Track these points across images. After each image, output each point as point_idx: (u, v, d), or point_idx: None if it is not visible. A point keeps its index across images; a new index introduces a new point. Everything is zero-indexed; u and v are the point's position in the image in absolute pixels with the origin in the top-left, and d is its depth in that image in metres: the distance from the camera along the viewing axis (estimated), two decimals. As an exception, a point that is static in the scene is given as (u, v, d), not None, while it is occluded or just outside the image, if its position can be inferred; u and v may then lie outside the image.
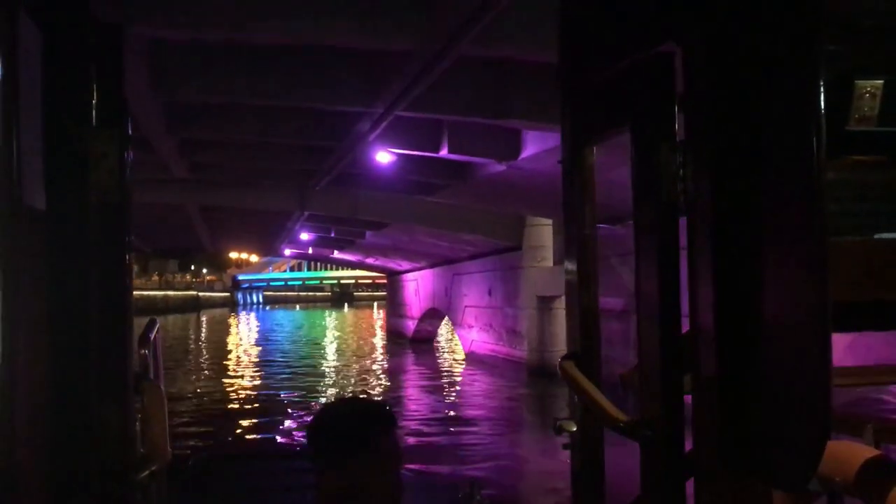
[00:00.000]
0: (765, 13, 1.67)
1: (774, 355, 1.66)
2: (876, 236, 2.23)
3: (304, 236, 31.34)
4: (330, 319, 71.34)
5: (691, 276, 1.84)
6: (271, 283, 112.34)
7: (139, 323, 2.55)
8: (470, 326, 28.75)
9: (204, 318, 70.47)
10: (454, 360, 30.72)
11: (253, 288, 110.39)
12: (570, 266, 2.50)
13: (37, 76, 1.88)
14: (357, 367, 28.98)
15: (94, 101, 2.09)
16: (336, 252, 37.33)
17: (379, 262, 37.54)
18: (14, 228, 1.71)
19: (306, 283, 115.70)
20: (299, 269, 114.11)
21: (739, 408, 1.74)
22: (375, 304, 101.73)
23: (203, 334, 49.48)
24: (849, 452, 1.76)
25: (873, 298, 2.12)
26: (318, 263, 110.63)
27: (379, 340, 43.18)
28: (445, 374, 26.88)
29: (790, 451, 1.66)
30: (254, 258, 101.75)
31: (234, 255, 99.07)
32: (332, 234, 30.20)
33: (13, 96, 1.70)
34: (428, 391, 22.64)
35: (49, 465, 1.93)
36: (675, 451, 1.99)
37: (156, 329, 2.76)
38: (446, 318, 33.85)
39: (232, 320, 67.58)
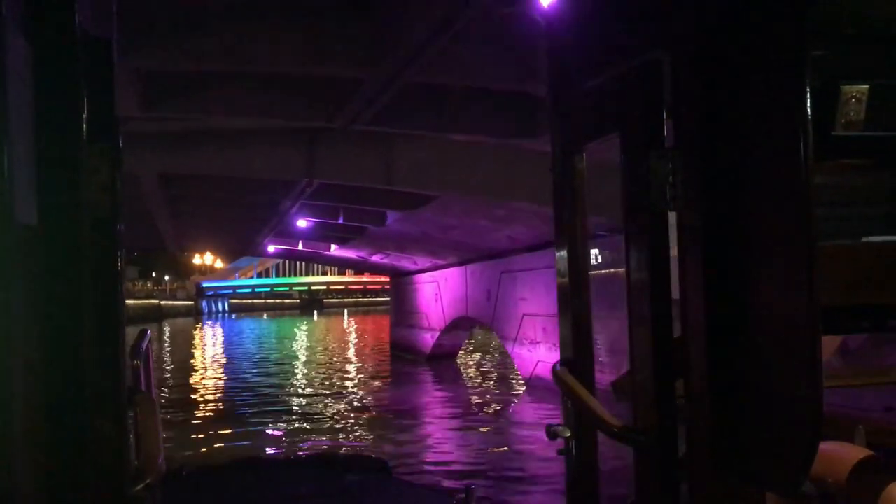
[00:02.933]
0: (752, 20, 1.66)
1: (765, 359, 1.65)
2: (864, 239, 2.18)
3: (302, 223, 22.63)
4: (303, 330, 62.27)
5: (682, 282, 1.81)
6: (237, 291, 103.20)
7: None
8: (533, 342, 20.23)
9: (167, 329, 61.89)
10: (504, 388, 22.24)
11: (218, 295, 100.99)
12: (562, 273, 2.45)
13: (27, 91, 1.83)
14: (364, 401, 20.36)
15: (84, 116, 1.99)
16: (335, 247, 28.57)
17: (388, 259, 28.78)
18: (6, 243, 1.67)
19: (275, 289, 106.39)
20: (267, 276, 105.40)
21: (731, 412, 1.72)
22: (346, 311, 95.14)
23: (166, 349, 40.43)
24: (841, 454, 1.79)
25: (862, 301, 2.07)
26: (288, 269, 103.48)
27: (374, 354, 34.45)
28: (511, 419, 18.12)
29: (782, 456, 1.63)
30: (219, 264, 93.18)
31: (198, 260, 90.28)
32: (340, 220, 21.57)
33: (4, 112, 1.65)
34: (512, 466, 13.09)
35: (45, 479, 1.88)
36: (667, 455, 1.95)
37: (146, 340, 2.78)
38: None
39: (196, 332, 58.22)
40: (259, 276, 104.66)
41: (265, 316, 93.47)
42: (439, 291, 27.36)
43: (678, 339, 1.89)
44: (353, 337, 51.33)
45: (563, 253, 2.45)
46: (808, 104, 1.53)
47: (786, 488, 1.72)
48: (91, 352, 2.02)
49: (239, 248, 36.09)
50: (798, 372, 1.57)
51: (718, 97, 1.72)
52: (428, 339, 28.79)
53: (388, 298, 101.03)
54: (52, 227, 1.88)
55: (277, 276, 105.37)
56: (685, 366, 1.81)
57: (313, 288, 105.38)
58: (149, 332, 2.77)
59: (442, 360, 28.17)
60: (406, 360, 29.94)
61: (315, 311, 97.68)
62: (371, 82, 10.20)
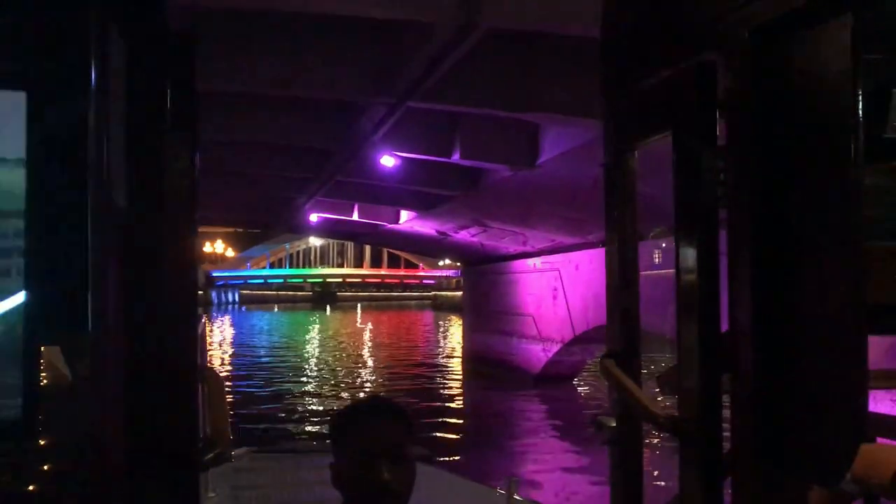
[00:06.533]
0: (805, 22, 1.61)
1: (811, 356, 1.65)
2: None
3: (387, 161, 13.17)
4: (325, 331, 53.06)
5: (731, 278, 1.78)
6: (248, 281, 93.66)
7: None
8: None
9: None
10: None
11: (228, 286, 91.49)
12: (612, 268, 2.44)
13: (121, 85, 1.94)
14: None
15: (168, 107, 2.09)
16: (407, 216, 19.04)
17: (483, 235, 19.13)
18: (103, 225, 1.81)
19: (288, 281, 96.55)
20: (280, 266, 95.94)
21: (776, 406, 1.70)
22: (359, 305, 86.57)
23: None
24: (886, 455, 1.71)
25: None
26: (302, 260, 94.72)
27: (436, 370, 25.00)
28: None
29: (825, 448, 1.63)
30: (230, 253, 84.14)
31: (208, 248, 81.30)
32: (455, 157, 12.16)
33: (104, 104, 1.81)
34: None
35: (129, 449, 1.99)
36: (712, 448, 1.90)
37: (202, 323, 2.98)
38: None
39: (207, 327, 48.40)
40: (272, 266, 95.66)
41: (276, 308, 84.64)
42: (561, 284, 17.88)
43: (725, 333, 1.82)
44: (384, 339, 42.00)
45: (613, 249, 2.40)
46: (860, 107, 1.50)
47: (827, 480, 1.70)
48: (169, 328, 2.08)
49: (269, 219, 26.22)
50: (843, 368, 1.55)
51: (771, 98, 1.66)
52: (537, 352, 19.33)
53: (405, 294, 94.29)
54: (139, 211, 1.98)
55: (291, 266, 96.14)
56: (732, 360, 1.77)
57: (328, 280, 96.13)
58: (203, 317, 2.97)
59: (558, 383, 18.74)
60: (493, 378, 20.52)
61: (328, 305, 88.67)
62: None
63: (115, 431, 1.92)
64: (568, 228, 15.72)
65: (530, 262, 19.65)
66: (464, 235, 19.71)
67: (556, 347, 18.48)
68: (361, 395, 19.20)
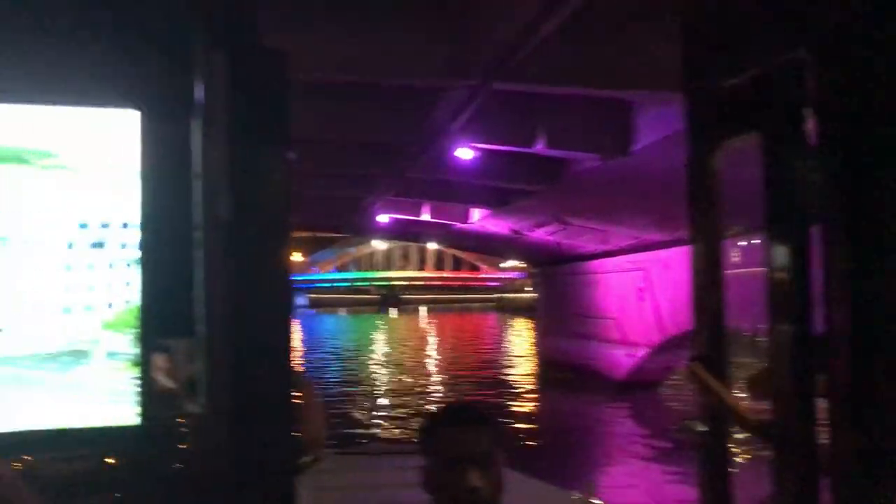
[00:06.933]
0: None
1: None
2: None
3: (464, 154, 12.08)
4: (389, 328, 52.47)
5: (826, 280, 1.72)
6: (317, 285, 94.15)
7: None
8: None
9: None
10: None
11: (297, 290, 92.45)
12: (697, 269, 2.38)
13: (224, 102, 2.02)
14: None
15: (265, 122, 2.16)
16: (479, 215, 17.90)
17: (562, 234, 17.83)
18: (209, 236, 1.93)
19: (354, 284, 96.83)
20: (345, 270, 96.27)
21: (874, 409, 1.63)
22: (425, 307, 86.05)
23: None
24: None
25: None
26: (367, 264, 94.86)
27: (511, 377, 23.82)
28: None
29: None
30: (298, 257, 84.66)
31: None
32: (538, 147, 10.99)
33: (212, 120, 1.95)
34: None
35: (234, 451, 2.06)
36: (808, 452, 1.85)
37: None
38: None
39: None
40: (338, 270, 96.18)
41: (343, 312, 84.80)
42: (650, 284, 16.51)
43: (820, 337, 1.76)
44: (452, 341, 40.99)
45: (699, 249, 2.36)
46: None
47: None
48: (268, 336, 2.12)
49: (338, 222, 25.29)
50: None
51: (862, 97, 1.61)
52: (619, 357, 17.96)
53: (467, 296, 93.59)
54: (241, 222, 2.03)
55: (356, 270, 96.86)
56: (829, 364, 1.72)
57: (393, 283, 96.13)
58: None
59: (641, 390, 17.37)
60: (571, 385, 19.25)
61: (392, 307, 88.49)
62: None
63: (220, 434, 2.00)
64: (658, 224, 14.38)
65: (612, 261, 18.30)
66: (539, 234, 18.44)
67: (641, 352, 17.11)
68: (429, 393, 18.23)
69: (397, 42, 8.97)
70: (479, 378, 22.93)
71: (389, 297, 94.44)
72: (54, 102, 2.28)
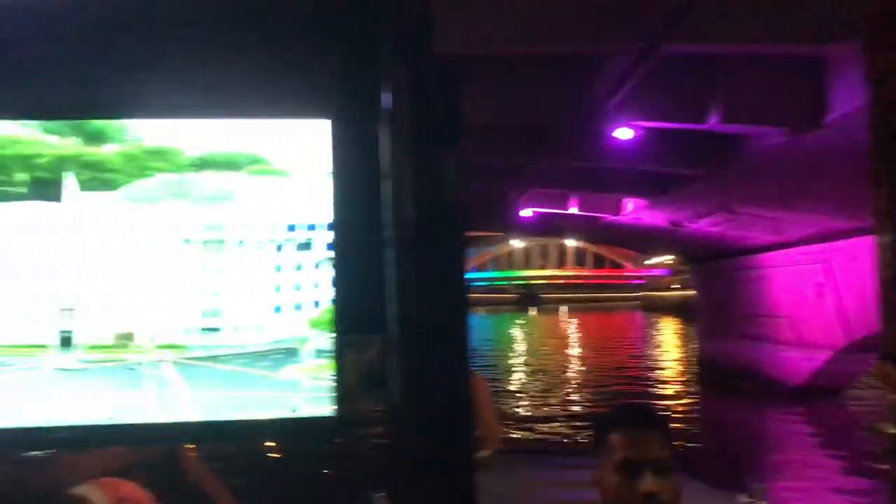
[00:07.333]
0: None
1: None
2: None
3: (623, 134, 10.72)
4: (530, 328, 51.31)
5: None
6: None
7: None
8: None
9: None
10: None
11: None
12: (885, 260, 2.36)
13: (408, 109, 2.17)
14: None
15: (443, 126, 2.25)
16: (632, 206, 16.40)
17: (729, 225, 16.03)
18: (398, 237, 2.07)
19: (493, 283, 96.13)
20: (484, 270, 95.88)
21: None
22: (565, 307, 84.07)
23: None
24: None
25: None
26: (505, 263, 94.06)
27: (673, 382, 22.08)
28: None
29: None
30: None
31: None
32: (711, 122, 9.47)
33: (399, 127, 2.09)
34: None
35: (419, 445, 2.15)
36: None
37: None
38: None
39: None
40: (476, 269, 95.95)
41: (482, 311, 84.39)
42: (831, 279, 14.50)
43: None
44: (599, 341, 39.32)
45: (886, 239, 2.31)
46: None
47: None
48: (449, 332, 2.20)
49: (482, 220, 24.23)
50: None
51: None
52: (796, 360, 15.96)
53: (610, 294, 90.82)
54: (423, 223, 2.14)
55: (495, 269, 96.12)
56: None
57: (531, 282, 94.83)
58: None
59: (823, 398, 15.35)
60: (738, 391, 17.40)
61: (531, 307, 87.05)
62: None
63: (406, 428, 2.10)
64: (849, 210, 12.46)
65: (785, 253, 16.32)
66: (701, 225, 16.70)
67: (822, 355, 15.09)
68: (579, 396, 16.94)
69: (549, 5, 7.81)
70: (630, 378, 21.46)
71: (528, 297, 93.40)
72: (251, 116, 2.45)
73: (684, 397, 18.75)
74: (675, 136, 11.17)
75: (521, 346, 36.80)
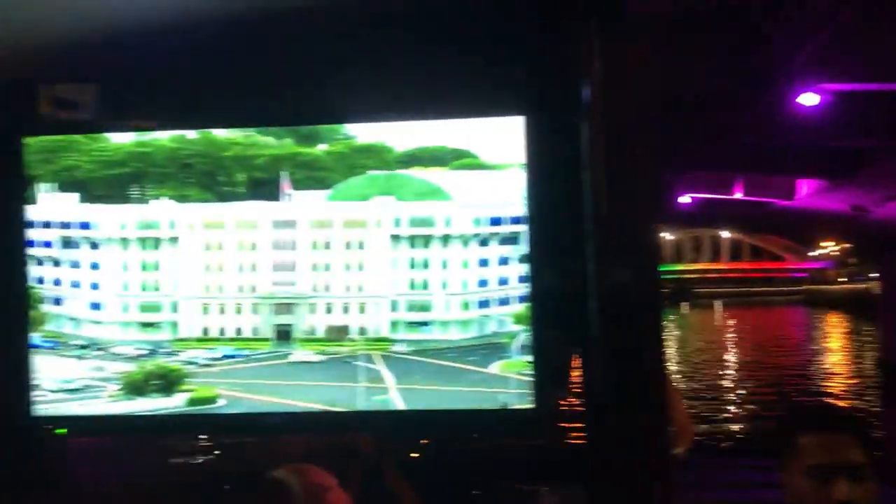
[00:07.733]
0: None
1: None
2: None
3: (809, 100, 9.12)
4: (688, 330, 48.92)
5: None
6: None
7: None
8: None
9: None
10: None
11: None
12: None
13: (603, 101, 2.19)
14: None
15: (636, 116, 2.22)
16: (805, 188, 14.53)
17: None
18: (598, 233, 2.08)
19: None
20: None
21: None
22: (720, 302, 79.87)
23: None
24: None
25: None
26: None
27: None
28: None
29: None
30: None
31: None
32: None
33: (592, 122, 2.12)
34: None
35: (617, 439, 2.15)
36: None
37: None
38: None
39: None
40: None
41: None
42: None
43: None
44: (768, 342, 36.71)
45: None
46: None
47: None
48: (644, 327, 2.15)
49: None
50: None
51: None
52: None
53: (768, 289, 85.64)
54: (618, 218, 2.15)
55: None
56: None
57: (684, 276, 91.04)
58: None
59: None
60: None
61: (683, 303, 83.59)
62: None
63: (607, 423, 2.08)
64: None
65: None
66: (892, 209, 14.58)
67: None
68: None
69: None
70: (807, 385, 19.45)
71: (680, 292, 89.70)
72: (450, 116, 2.61)
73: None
74: (875, 100, 9.43)
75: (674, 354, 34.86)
